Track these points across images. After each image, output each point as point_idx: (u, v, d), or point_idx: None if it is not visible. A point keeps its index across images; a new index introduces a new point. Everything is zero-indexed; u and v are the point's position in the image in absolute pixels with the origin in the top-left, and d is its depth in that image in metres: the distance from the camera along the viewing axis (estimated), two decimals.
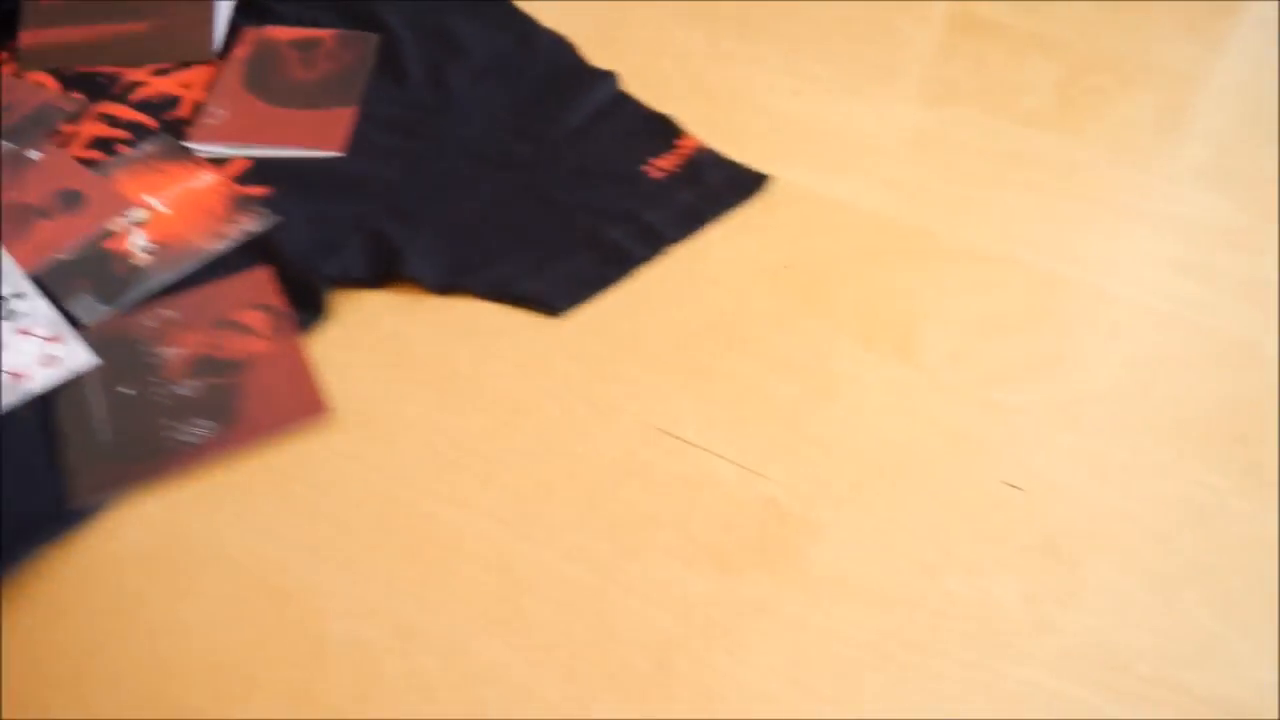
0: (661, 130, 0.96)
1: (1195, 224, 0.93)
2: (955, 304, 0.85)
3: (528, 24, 1.07)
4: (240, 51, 1.03)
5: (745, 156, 0.96)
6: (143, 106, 0.97)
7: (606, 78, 1.01)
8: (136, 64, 1.01)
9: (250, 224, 0.86)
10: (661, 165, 0.93)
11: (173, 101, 0.97)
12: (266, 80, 1.00)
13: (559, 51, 1.05)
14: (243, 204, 0.88)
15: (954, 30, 1.12)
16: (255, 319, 0.79)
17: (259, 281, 0.82)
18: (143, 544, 0.68)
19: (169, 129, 0.95)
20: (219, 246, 0.84)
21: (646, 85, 1.03)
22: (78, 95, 0.98)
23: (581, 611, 0.65)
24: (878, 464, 0.74)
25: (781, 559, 0.68)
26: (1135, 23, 1.14)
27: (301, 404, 0.75)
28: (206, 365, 0.77)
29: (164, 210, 0.87)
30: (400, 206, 0.89)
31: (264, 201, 0.88)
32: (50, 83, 0.99)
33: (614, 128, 0.97)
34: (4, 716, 0.61)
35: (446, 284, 0.84)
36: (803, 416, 0.76)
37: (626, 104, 0.99)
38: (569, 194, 0.90)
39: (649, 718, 0.61)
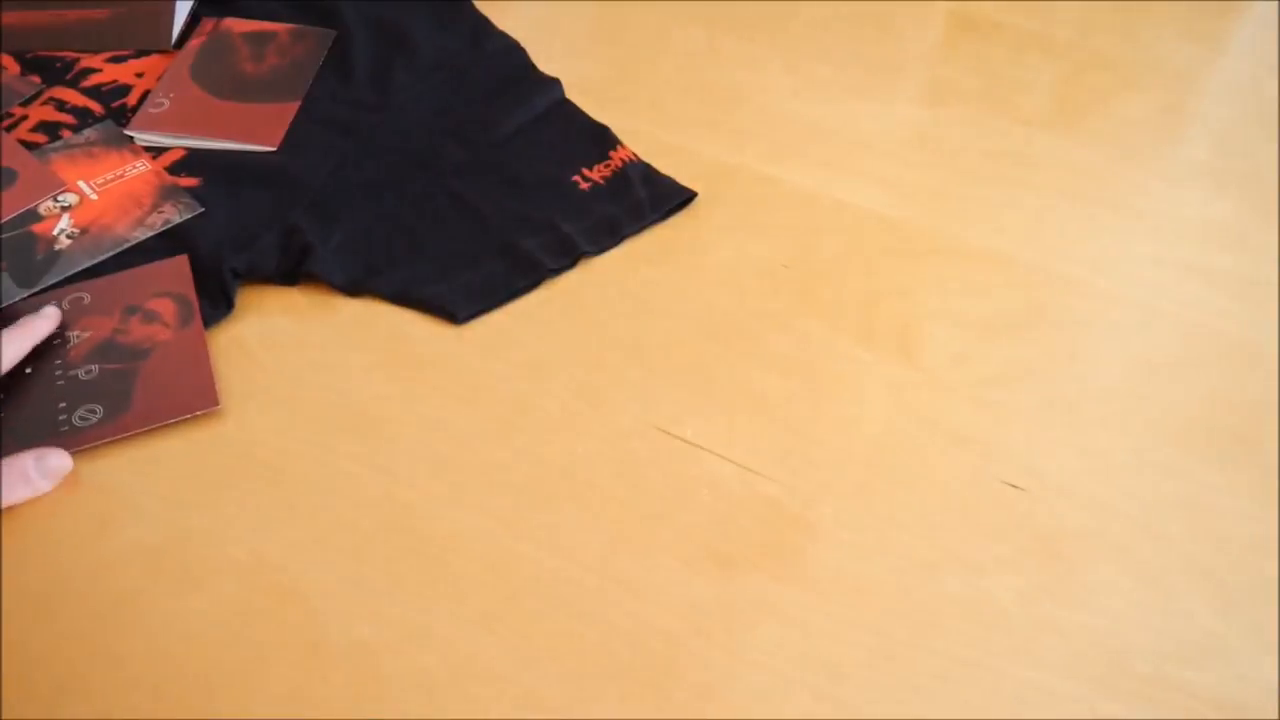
0: (598, 140, 0.95)
1: (1195, 224, 0.93)
2: (955, 304, 0.85)
3: (482, 25, 1.07)
4: (195, 42, 1.03)
5: (745, 156, 0.96)
6: (92, 93, 0.97)
7: (552, 85, 1.00)
8: (95, 50, 1.02)
9: (173, 214, 0.86)
10: (591, 176, 0.92)
11: (124, 90, 0.98)
12: (214, 72, 1.00)
13: (509, 55, 1.04)
14: (170, 194, 0.88)
15: (954, 30, 1.12)
16: (164, 307, 0.80)
17: (173, 270, 0.83)
18: (143, 544, 0.68)
19: (115, 116, 0.96)
20: (140, 235, 0.85)
21: (646, 85, 1.03)
22: (35, 79, 0.98)
23: (581, 611, 0.65)
24: (878, 464, 0.74)
25: (781, 559, 0.68)
26: (1135, 23, 1.14)
27: (194, 396, 0.75)
28: (109, 351, 0.77)
29: (92, 196, 0.88)
30: (321, 203, 0.89)
31: (192, 192, 0.89)
32: (11, 65, 1.00)
33: (551, 136, 0.96)
34: (4, 717, 0.61)
35: (354, 285, 0.83)
36: (803, 416, 0.76)
37: (568, 112, 0.98)
38: (492, 200, 0.90)
39: (649, 718, 0.61)
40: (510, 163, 0.93)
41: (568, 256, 0.86)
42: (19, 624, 0.64)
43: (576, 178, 0.92)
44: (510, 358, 0.80)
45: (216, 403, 0.75)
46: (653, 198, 0.91)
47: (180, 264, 0.83)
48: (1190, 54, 1.11)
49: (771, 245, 0.88)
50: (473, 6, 1.10)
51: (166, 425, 0.73)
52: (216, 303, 0.81)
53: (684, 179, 0.93)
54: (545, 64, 1.03)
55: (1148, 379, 0.80)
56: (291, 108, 0.96)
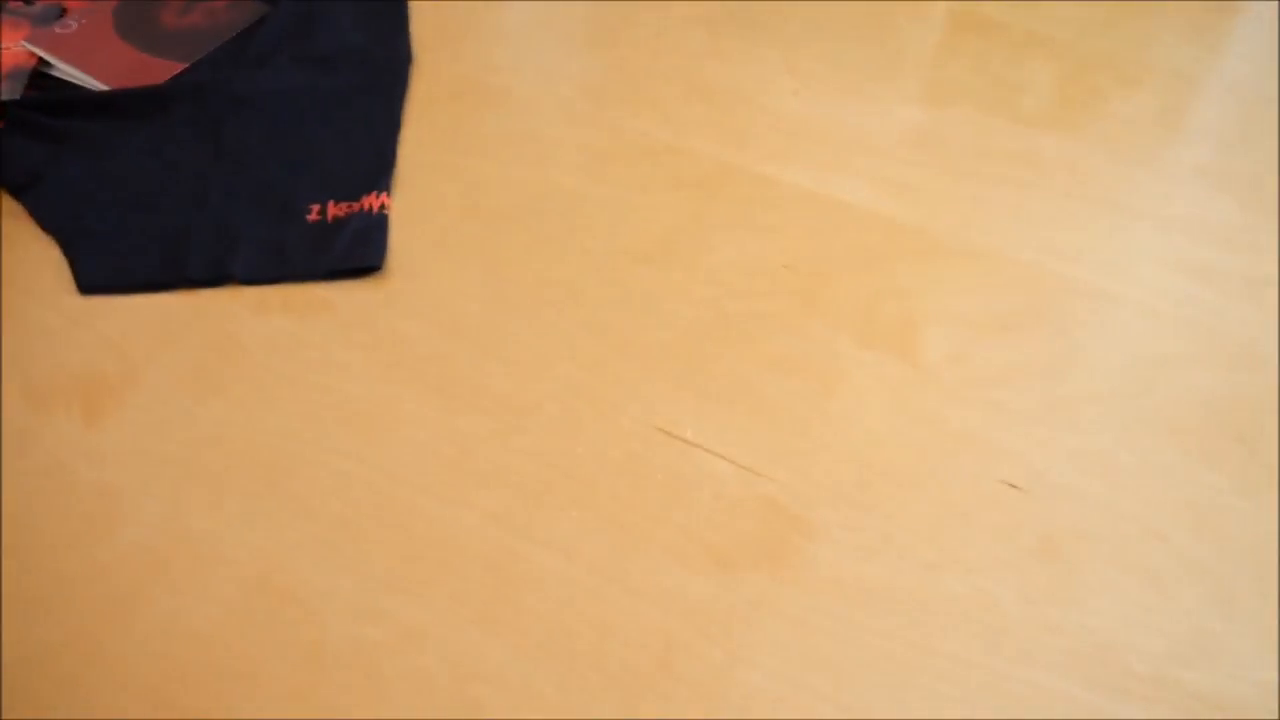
0: (369, 179, 0.91)
1: (1195, 224, 0.93)
2: (955, 304, 0.85)
3: (393, 32, 1.05)
4: None
5: (745, 156, 0.96)
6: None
7: (395, 114, 0.97)
8: None
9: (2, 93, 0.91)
10: (327, 211, 0.88)
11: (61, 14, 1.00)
12: (137, 16, 1.01)
13: (388, 69, 1.01)
14: (15, 75, 0.92)
15: (954, 30, 1.12)
16: None
17: None
18: (143, 544, 0.68)
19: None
20: None
21: (647, 85, 1.03)
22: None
23: (581, 611, 0.65)
24: (878, 464, 0.74)
25: (781, 559, 0.68)
26: (1135, 23, 1.14)
27: None
28: None
29: None
30: (86, 146, 0.91)
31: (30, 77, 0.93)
32: None
33: (342, 155, 0.93)
34: (4, 717, 0.61)
35: (36, 213, 0.87)
36: (803, 416, 0.76)
37: (377, 139, 0.95)
38: (220, 190, 0.90)
39: (649, 718, 0.61)
40: (281, 162, 0.92)
41: (219, 275, 0.84)
42: (19, 624, 0.64)
43: (315, 205, 0.89)
44: (510, 358, 0.80)
45: None
46: (346, 252, 0.85)
47: None
48: (1190, 54, 1.11)
49: (771, 245, 0.88)
50: (404, 10, 1.08)
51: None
52: None
53: (684, 179, 0.93)
54: (545, 64, 1.03)
55: (1148, 379, 0.80)
56: (173, 68, 0.97)
